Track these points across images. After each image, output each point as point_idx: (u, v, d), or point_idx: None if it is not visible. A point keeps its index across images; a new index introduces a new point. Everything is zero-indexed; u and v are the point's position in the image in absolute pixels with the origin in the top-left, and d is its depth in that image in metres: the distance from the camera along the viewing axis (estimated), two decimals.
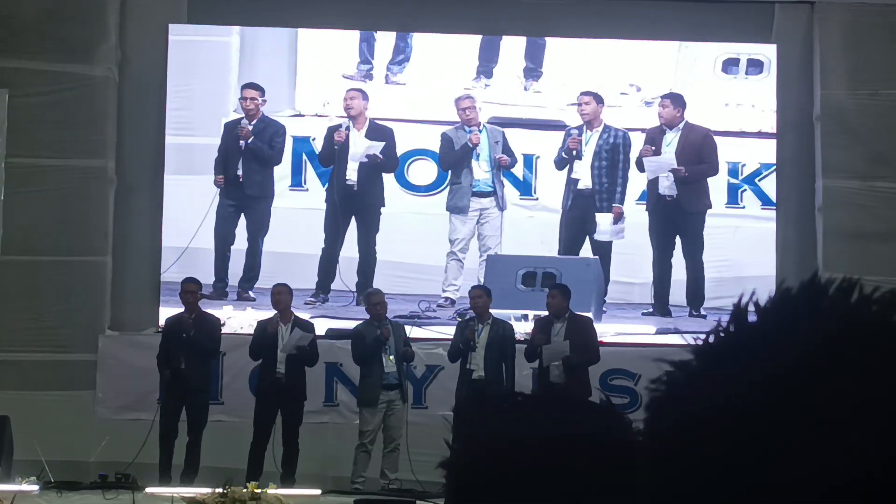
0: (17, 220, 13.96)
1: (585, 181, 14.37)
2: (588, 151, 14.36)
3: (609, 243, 14.36)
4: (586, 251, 14.38)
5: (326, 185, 14.34)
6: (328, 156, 14.32)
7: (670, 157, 14.30)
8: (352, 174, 14.30)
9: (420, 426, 12.75)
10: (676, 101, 14.42)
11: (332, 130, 14.30)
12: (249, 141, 14.29)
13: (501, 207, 14.34)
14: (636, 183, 14.49)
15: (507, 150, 14.36)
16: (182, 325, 12.38)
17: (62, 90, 14.09)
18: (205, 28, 14.61)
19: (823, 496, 0.80)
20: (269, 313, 12.71)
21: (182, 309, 12.71)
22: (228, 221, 14.31)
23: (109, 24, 14.22)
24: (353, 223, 14.33)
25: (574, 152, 14.30)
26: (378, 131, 14.33)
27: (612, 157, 14.38)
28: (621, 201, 14.39)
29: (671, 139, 14.41)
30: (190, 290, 12.62)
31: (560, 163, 14.38)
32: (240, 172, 14.33)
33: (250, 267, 14.23)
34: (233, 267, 14.29)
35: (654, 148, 14.35)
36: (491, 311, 12.61)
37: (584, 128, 14.38)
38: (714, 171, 14.43)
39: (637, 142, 14.42)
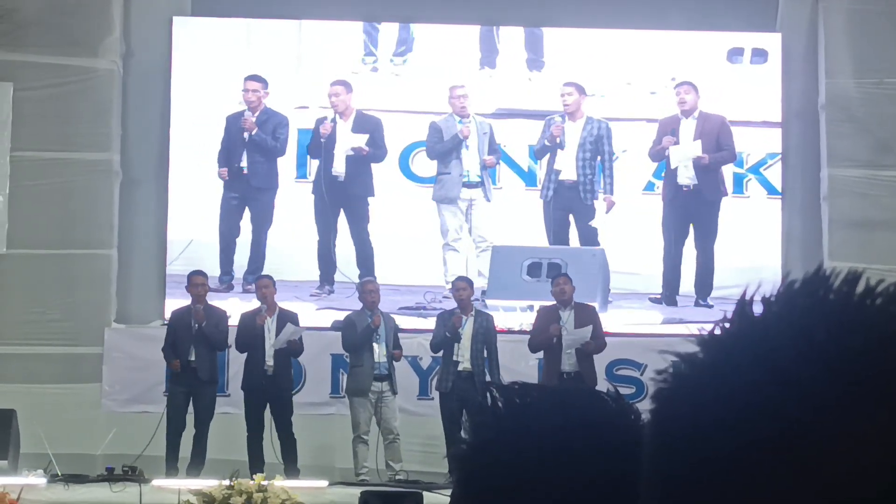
0: (22, 213, 13.97)
1: (568, 173, 14.35)
2: (572, 142, 14.34)
3: (596, 234, 14.34)
4: (573, 241, 14.38)
5: (314, 178, 14.34)
6: (316, 147, 14.33)
7: (696, 146, 14.30)
8: (339, 166, 14.31)
9: (425, 417, 12.78)
10: (694, 87, 14.42)
11: (319, 123, 14.32)
12: (254, 133, 14.30)
13: (487, 199, 14.34)
14: (628, 173, 14.47)
15: (492, 143, 14.36)
16: (194, 317, 12.37)
17: (66, 83, 14.09)
18: (209, 20, 14.61)
19: (830, 486, 0.81)
20: None
21: (188, 302, 12.70)
22: (233, 214, 14.33)
23: (113, 17, 14.22)
24: (342, 215, 14.35)
25: (557, 140, 14.28)
26: (365, 122, 14.33)
27: (596, 148, 14.38)
28: (611, 191, 14.39)
29: (688, 127, 14.40)
30: (199, 282, 12.63)
31: (540, 152, 14.38)
32: (244, 164, 14.34)
33: (255, 259, 14.25)
34: (238, 259, 14.31)
35: (675, 139, 14.35)
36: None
37: (566, 118, 14.37)
38: (733, 157, 14.44)
39: (630, 132, 14.41)
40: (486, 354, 12.34)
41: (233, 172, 14.33)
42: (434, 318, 13.08)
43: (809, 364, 0.83)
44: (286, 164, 14.44)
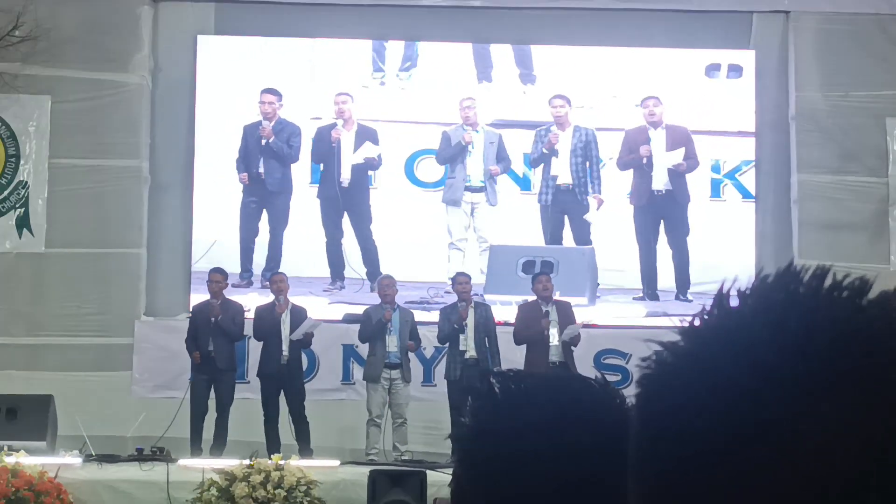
0: (59, 215, 13.99)
1: (564, 177, 14.36)
2: (565, 150, 14.37)
3: (589, 229, 14.35)
4: (567, 239, 14.39)
5: (319, 183, 14.34)
6: (321, 153, 14.34)
7: (678, 154, 14.30)
8: (346, 173, 14.33)
9: (429, 402, 12.78)
10: (660, 101, 14.43)
11: (327, 130, 14.32)
12: (271, 140, 14.31)
13: (492, 203, 14.35)
14: (615, 177, 14.48)
15: (501, 152, 14.37)
16: (210, 311, 12.40)
17: (100, 96, 14.11)
18: (230, 39, 14.62)
19: (805, 474, 0.80)
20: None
21: (208, 296, 12.71)
22: (252, 216, 14.34)
23: (143, 35, 14.23)
24: (345, 217, 14.37)
25: (555, 147, 14.31)
26: (366, 132, 14.36)
27: (586, 154, 14.40)
28: (599, 191, 14.41)
29: (658, 137, 14.41)
30: (216, 279, 12.64)
31: (537, 160, 14.38)
32: (261, 170, 14.36)
33: (273, 257, 14.27)
34: (256, 258, 14.32)
35: (649, 148, 14.35)
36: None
37: (557, 128, 14.38)
38: (697, 164, 14.45)
39: (616, 142, 14.41)
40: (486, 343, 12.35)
41: (251, 178, 14.35)
42: (436, 311, 13.09)
43: (783, 354, 0.82)
44: (301, 170, 14.45)
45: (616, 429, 1.31)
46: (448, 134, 14.39)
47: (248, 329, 12.69)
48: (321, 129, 14.36)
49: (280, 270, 13.28)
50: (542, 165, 14.40)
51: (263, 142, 14.31)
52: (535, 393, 1.40)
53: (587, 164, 14.39)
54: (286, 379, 12.31)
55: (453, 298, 12.82)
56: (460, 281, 12.63)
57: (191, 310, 13.07)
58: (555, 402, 1.38)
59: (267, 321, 12.43)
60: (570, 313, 12.46)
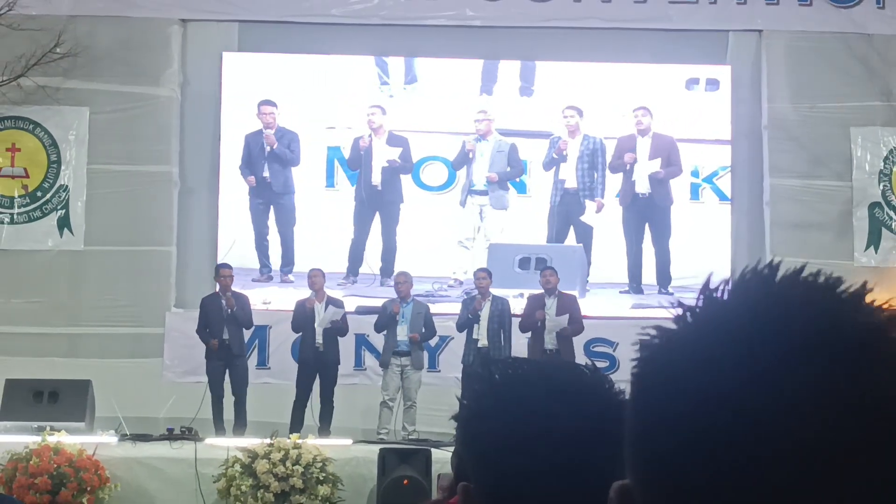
0: (97, 216, 14.01)
1: (571, 181, 14.37)
2: (573, 156, 14.36)
3: (591, 230, 14.35)
4: (570, 239, 14.39)
5: (355, 186, 14.35)
6: (355, 160, 14.33)
7: (656, 163, 14.31)
8: (376, 177, 14.32)
9: (434, 386, 12.78)
10: (649, 111, 14.42)
11: (358, 140, 14.32)
12: (275, 147, 14.30)
13: (495, 206, 14.34)
14: (614, 181, 14.48)
15: (513, 160, 14.37)
16: (226, 303, 12.34)
17: (134, 108, 14.12)
18: (252, 55, 14.61)
19: (779, 457, 0.78)
20: (307, 293, 12.70)
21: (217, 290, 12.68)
22: (261, 216, 14.34)
23: (173, 52, 14.25)
24: (376, 217, 14.36)
25: (564, 153, 14.32)
26: (396, 140, 14.35)
27: (592, 161, 14.38)
28: (602, 196, 14.41)
29: (644, 145, 14.41)
30: (225, 273, 12.56)
31: (548, 164, 14.38)
32: (266, 174, 14.33)
33: (286, 253, 14.27)
34: (273, 255, 14.33)
35: (635, 155, 14.36)
36: (491, 290, 12.60)
37: (568, 136, 14.37)
38: (679, 171, 14.43)
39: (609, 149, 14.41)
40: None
41: (258, 181, 14.34)
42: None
43: (766, 351, 0.80)
44: (316, 174, 14.44)
45: (604, 411, 1.34)
46: (465, 142, 14.43)
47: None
48: (356, 140, 14.35)
49: (317, 267, 13.11)
50: (553, 169, 14.41)
51: (268, 148, 14.29)
52: (530, 378, 1.41)
53: (594, 170, 14.38)
54: (319, 364, 12.28)
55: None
56: (478, 276, 12.62)
57: (201, 302, 12.91)
58: (547, 387, 1.39)
59: (301, 314, 12.43)
60: (571, 305, 12.37)
